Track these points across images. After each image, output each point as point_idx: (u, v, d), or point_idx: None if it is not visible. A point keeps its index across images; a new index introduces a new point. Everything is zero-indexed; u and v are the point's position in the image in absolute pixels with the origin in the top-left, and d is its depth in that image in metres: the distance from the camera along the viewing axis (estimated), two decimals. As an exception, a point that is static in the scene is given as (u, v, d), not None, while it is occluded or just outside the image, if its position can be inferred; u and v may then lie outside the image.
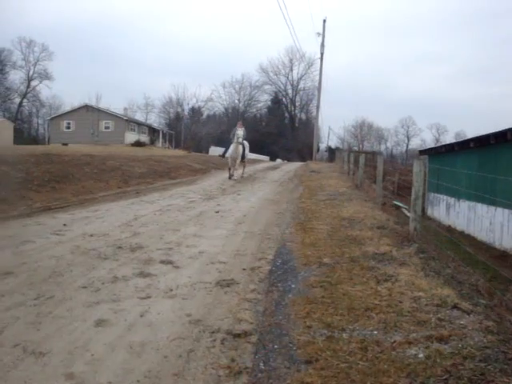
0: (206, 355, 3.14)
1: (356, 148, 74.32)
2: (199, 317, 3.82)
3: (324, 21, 44.54)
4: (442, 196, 18.62)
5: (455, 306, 3.90)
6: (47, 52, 72.17)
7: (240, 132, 17.75)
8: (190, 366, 2.98)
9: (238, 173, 19.04)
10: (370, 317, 3.74)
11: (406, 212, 16.22)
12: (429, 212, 19.84)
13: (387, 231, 7.24)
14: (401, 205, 18.96)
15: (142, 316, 3.80)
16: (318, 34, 44.62)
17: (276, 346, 3.28)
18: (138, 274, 4.96)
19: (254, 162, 37.89)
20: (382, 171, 11.03)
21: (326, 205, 10.43)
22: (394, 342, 3.25)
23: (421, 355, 3.02)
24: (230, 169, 18.35)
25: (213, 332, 3.53)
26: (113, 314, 3.83)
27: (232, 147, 17.77)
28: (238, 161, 18.18)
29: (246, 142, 18.83)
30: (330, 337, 3.37)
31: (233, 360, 3.07)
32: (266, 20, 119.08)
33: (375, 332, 3.45)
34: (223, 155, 19.51)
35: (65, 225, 7.53)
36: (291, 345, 3.28)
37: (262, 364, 3.03)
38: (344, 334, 3.42)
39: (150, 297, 4.27)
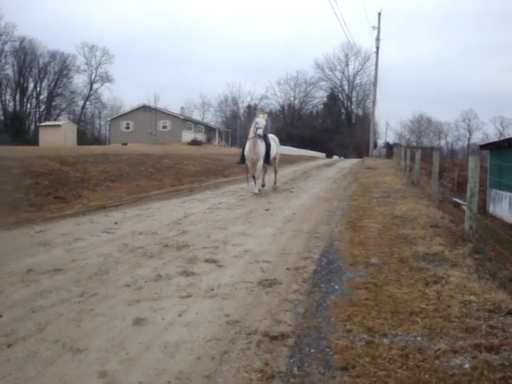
0: (239, 357, 3.09)
1: (414, 143, 72.22)
2: (237, 317, 3.77)
3: (379, 14, 43.78)
4: (505, 193, 17.78)
5: (510, 313, 3.67)
6: (108, 56, 74.85)
7: (261, 121, 11.97)
8: (222, 369, 2.93)
9: (265, 181, 13.54)
10: (415, 322, 3.57)
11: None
12: (490, 209, 19.01)
13: (441, 230, 6.95)
14: (461, 202, 18.25)
15: (180, 315, 3.79)
16: (374, 27, 43.87)
17: (312, 350, 3.18)
18: (181, 272, 4.98)
19: (309, 159, 37.63)
20: (437, 167, 10.63)
21: (379, 202, 10.17)
22: (439, 350, 3.08)
23: (467, 366, 2.85)
24: (251, 177, 12.81)
25: (249, 333, 3.47)
26: (152, 312, 3.84)
27: (248, 145, 12.21)
28: (260, 164, 12.21)
29: (272, 136, 13.44)
30: (369, 342, 3.24)
31: (266, 363, 3.00)
32: (321, 15, 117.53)
33: (419, 338, 3.29)
34: (240, 160, 13.19)
35: (116, 223, 7.71)
36: (328, 349, 3.18)
37: (295, 369, 2.94)
38: (385, 340, 3.28)
39: (190, 296, 4.26)
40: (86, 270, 5.00)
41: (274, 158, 13.50)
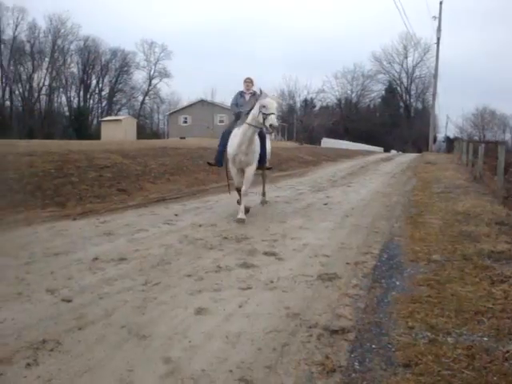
0: (300, 350, 3.10)
1: (476, 138, 69.49)
2: (297, 310, 3.78)
3: (440, 3, 42.30)
4: None
5: None
6: (166, 52, 76.35)
7: (272, 104, 7.11)
8: (283, 360, 2.95)
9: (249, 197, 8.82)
10: (481, 321, 3.47)
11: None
12: None
13: (507, 228, 6.68)
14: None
15: (240, 307, 3.85)
16: (434, 17, 42.48)
17: (374, 346, 3.15)
18: (241, 264, 5.04)
19: (366, 153, 37.07)
20: (503, 162, 10.20)
21: (440, 198, 9.89)
22: (508, 351, 2.97)
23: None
24: (237, 190, 8.22)
25: (310, 327, 3.47)
26: (213, 303, 3.91)
27: (238, 137, 7.53)
28: (252, 171, 7.79)
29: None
30: (433, 340, 3.17)
31: (327, 357, 2.99)
32: (379, 5, 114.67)
33: (485, 339, 3.19)
34: (216, 160, 8.51)
35: (176, 215, 7.88)
36: (390, 346, 3.13)
37: (357, 364, 2.92)
38: (449, 339, 3.20)
39: (250, 288, 4.31)
40: (148, 259, 5.15)
41: (266, 156, 8.58)
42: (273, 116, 6.92)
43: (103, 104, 75.62)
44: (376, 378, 2.73)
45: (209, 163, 9.45)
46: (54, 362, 2.88)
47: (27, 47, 66.51)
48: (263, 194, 9.44)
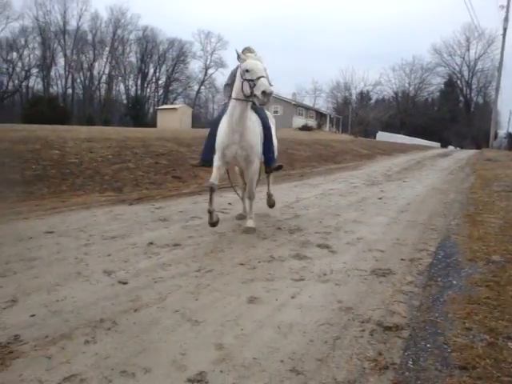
0: (352, 345, 3.06)
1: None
2: (350, 304, 3.74)
3: (509, -10, 40.31)
4: None
5: None
6: (222, 42, 77.16)
7: (259, 66, 5.30)
8: (334, 354, 2.92)
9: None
10: (545, 326, 3.31)
11: None
12: None
13: None
14: None
15: (293, 297, 3.84)
16: (502, 6, 40.53)
17: (428, 345, 3.07)
18: (294, 255, 5.03)
19: (423, 148, 36.17)
20: None
21: (501, 197, 9.51)
22: None
23: None
24: (211, 195, 5.85)
25: (362, 322, 3.42)
26: (265, 292, 3.92)
27: (226, 123, 5.68)
28: (256, 168, 5.99)
29: (268, 113, 6.79)
30: (492, 343, 3.05)
31: (380, 353, 2.94)
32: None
33: (549, 344, 3.05)
34: (202, 160, 6.49)
35: (230, 203, 7.96)
36: (446, 346, 3.04)
37: (410, 362, 2.85)
38: (510, 343, 3.07)
39: (303, 279, 4.29)
40: (202, 246, 5.23)
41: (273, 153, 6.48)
42: (263, 79, 5.11)
43: (159, 93, 77.26)
44: (431, 379, 2.66)
45: (192, 165, 7.84)
46: (111, 341, 2.97)
47: (89, 37, 68.83)
48: (269, 196, 7.38)
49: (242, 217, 6.83)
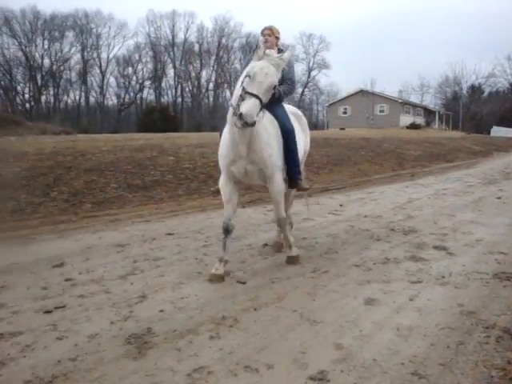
0: (477, 351, 2.93)
1: None
2: (472, 308, 3.58)
3: None
4: None
5: None
6: (325, 43, 76.43)
7: (258, 74, 3.88)
8: (458, 359, 2.82)
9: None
10: None
11: None
12: None
13: None
14: None
15: (411, 300, 3.76)
16: None
17: None
18: (410, 257, 4.92)
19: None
20: None
21: None
22: None
23: None
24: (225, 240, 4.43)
25: (487, 327, 3.27)
26: (382, 294, 3.88)
27: (227, 135, 4.32)
28: (276, 185, 4.49)
29: (293, 110, 5.37)
30: None
31: (509, 362, 2.79)
32: None
33: None
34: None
35: (341, 205, 7.94)
36: None
37: (545, 372, 2.68)
38: None
39: (420, 281, 4.19)
40: (316, 248, 5.29)
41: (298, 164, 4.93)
42: (248, 101, 3.78)
43: (264, 97, 78.57)
44: None
45: (214, 191, 6.51)
46: (234, 338, 3.11)
47: (196, 47, 71.81)
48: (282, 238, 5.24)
49: (278, 246, 5.26)
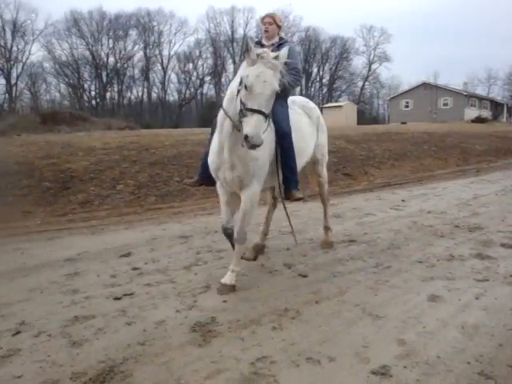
0: (552, 354, 2.84)
1: None
2: (544, 310, 3.46)
3: None
4: None
5: None
6: (386, 35, 74.46)
7: (259, 86, 3.34)
8: (529, 361, 2.74)
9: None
10: None
11: None
12: None
13: None
14: None
15: (477, 298, 3.67)
16: None
17: None
18: (476, 255, 4.79)
19: None
20: None
21: None
22: None
23: None
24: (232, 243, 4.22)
25: (559, 329, 3.15)
26: (446, 291, 3.81)
27: (216, 140, 3.99)
28: (250, 196, 3.94)
29: (301, 101, 4.95)
30: None
31: None
32: None
33: None
34: (199, 175, 4.64)
35: (403, 200, 7.81)
36: None
37: None
38: None
39: (487, 280, 4.08)
40: (378, 243, 5.24)
41: (316, 162, 5.16)
42: (255, 118, 3.29)
43: (324, 91, 77.73)
44: None
45: (186, 184, 5.80)
46: (296, 329, 3.16)
47: (255, 42, 72.24)
48: (327, 229, 5.33)
49: (257, 248, 4.87)
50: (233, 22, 71.02)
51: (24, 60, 56.76)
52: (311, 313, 3.43)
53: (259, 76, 3.33)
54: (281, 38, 4.46)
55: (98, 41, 62.93)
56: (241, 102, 3.39)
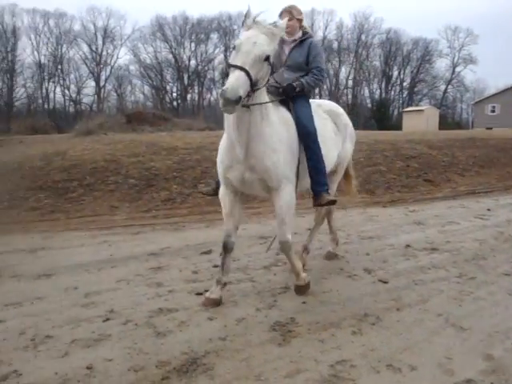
0: None
1: None
2: None
3: None
4: None
5: None
6: (472, 36, 71.22)
7: (244, 43, 3.18)
8: None
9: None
10: None
11: None
12: None
13: None
14: None
15: None
16: None
17: None
18: None
19: None
20: None
21: None
22: None
23: None
24: (224, 258, 3.81)
25: None
26: (537, 306, 3.63)
27: (224, 135, 3.71)
28: (284, 206, 3.72)
29: (326, 105, 4.65)
30: None
31: None
32: None
33: None
34: (215, 185, 4.41)
35: (489, 210, 7.48)
36: None
37: None
38: None
39: None
40: (461, 252, 5.07)
41: (335, 172, 4.64)
42: (235, 73, 3.03)
43: (404, 95, 75.70)
44: None
45: (201, 192, 5.20)
46: (376, 335, 3.13)
47: (335, 45, 71.36)
48: (335, 242, 5.10)
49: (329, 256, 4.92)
50: (312, 24, 70.75)
51: (112, 63, 59.73)
52: (392, 319, 3.38)
53: (250, 38, 3.20)
54: (304, 33, 4.12)
55: (180, 44, 64.95)
56: (226, 62, 3.26)
